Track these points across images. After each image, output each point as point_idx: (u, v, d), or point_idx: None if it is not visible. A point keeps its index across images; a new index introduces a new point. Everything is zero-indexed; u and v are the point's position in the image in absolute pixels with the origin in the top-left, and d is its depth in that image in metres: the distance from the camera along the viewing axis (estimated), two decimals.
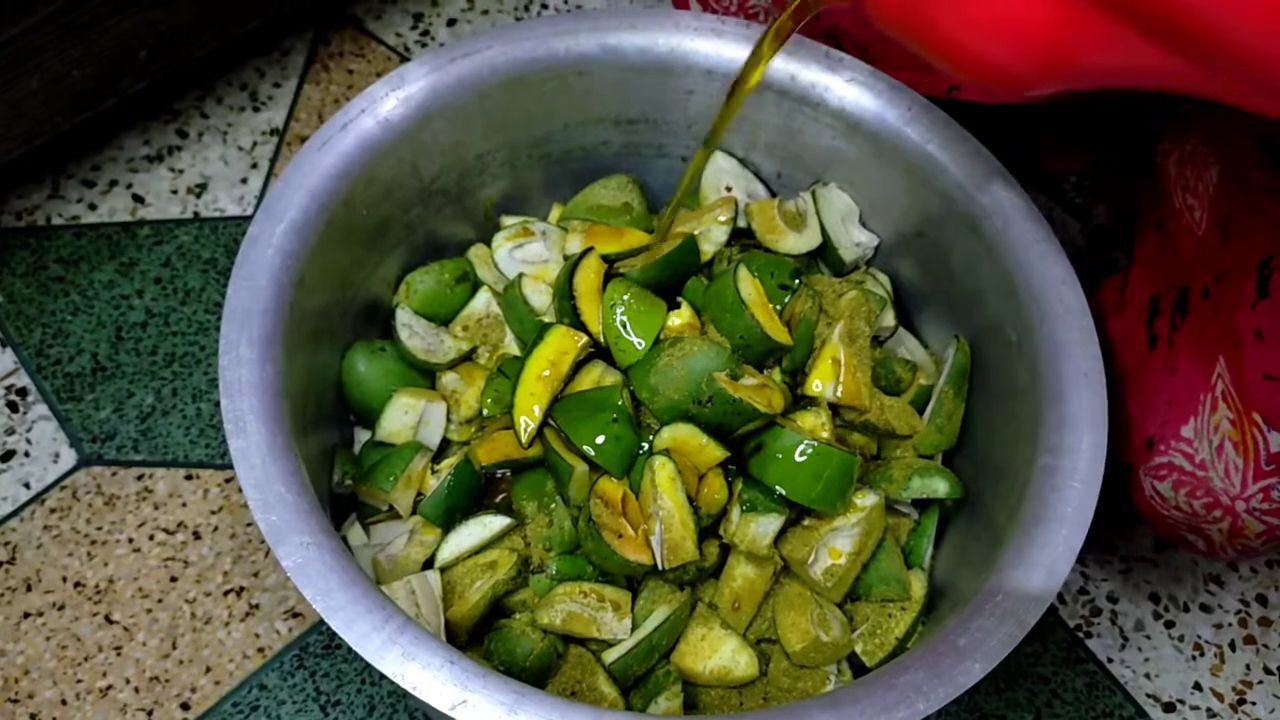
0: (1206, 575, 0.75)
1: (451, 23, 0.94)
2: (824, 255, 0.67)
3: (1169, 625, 0.73)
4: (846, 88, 0.63)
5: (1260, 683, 0.72)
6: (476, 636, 0.58)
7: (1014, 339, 0.59)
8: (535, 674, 0.56)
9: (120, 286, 0.78)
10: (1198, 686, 0.71)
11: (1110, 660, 0.71)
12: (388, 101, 0.59)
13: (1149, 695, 0.71)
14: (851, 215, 0.67)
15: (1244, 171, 0.60)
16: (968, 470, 0.63)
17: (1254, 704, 0.71)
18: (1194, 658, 0.72)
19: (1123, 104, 0.69)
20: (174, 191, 0.83)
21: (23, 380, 0.74)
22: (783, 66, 0.64)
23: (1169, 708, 0.70)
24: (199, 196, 0.82)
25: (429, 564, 0.59)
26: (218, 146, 0.85)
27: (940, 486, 0.61)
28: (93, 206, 0.81)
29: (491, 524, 0.59)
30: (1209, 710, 0.70)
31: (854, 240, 0.67)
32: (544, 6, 0.96)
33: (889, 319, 0.65)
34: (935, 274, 0.66)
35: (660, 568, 0.56)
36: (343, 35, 0.92)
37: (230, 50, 0.88)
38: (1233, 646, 0.73)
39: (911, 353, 0.67)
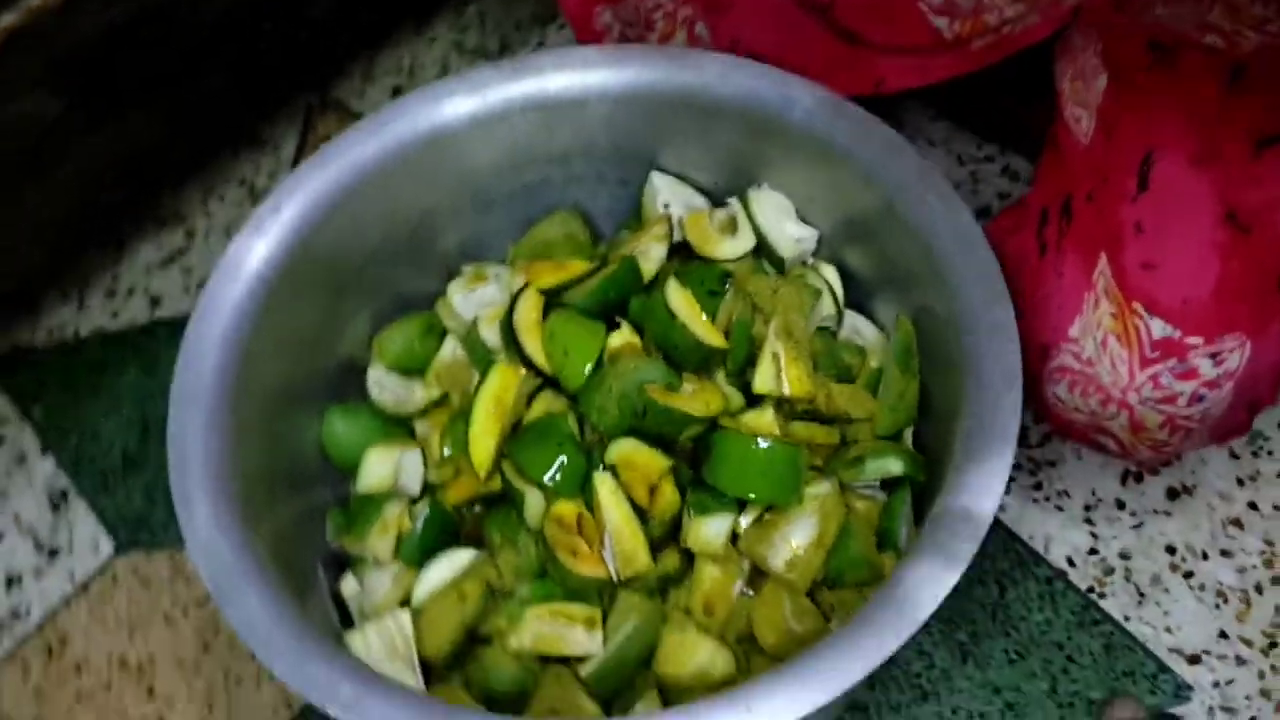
0: (1225, 519, 0.72)
1: None
2: (768, 255, 0.69)
3: (1187, 575, 0.71)
4: (747, 91, 0.64)
5: None
6: (460, 665, 0.61)
7: (938, 310, 0.59)
8: (513, 697, 0.59)
9: (144, 385, 0.84)
10: (1224, 635, 0.69)
11: (1128, 619, 0.70)
12: (314, 179, 0.63)
13: (1172, 649, 0.68)
14: (787, 212, 0.68)
15: (1131, 76, 0.61)
16: (937, 445, 0.63)
17: None
18: (1218, 605, 0.70)
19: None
20: (185, 289, 0.89)
21: (63, 482, 0.81)
22: (694, 80, 0.66)
23: (1194, 659, 0.68)
24: None
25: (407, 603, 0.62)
26: (223, 242, 0.91)
27: (894, 465, 0.61)
28: (115, 315, 0.88)
29: (458, 558, 0.61)
30: (1238, 658, 0.68)
31: (791, 237, 0.68)
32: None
33: (827, 308, 0.66)
34: (874, 258, 0.66)
35: (616, 579, 0.58)
36: (328, 119, 0.97)
37: (224, 151, 0.94)
38: (1259, 589, 0.70)
39: (865, 337, 0.67)
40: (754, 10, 0.72)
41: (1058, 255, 0.61)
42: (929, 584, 0.48)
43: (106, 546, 0.78)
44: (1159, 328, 0.56)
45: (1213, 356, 0.56)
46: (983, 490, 0.50)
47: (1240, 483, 0.73)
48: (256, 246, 0.62)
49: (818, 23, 0.72)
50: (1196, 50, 0.61)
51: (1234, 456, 0.74)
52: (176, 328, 0.86)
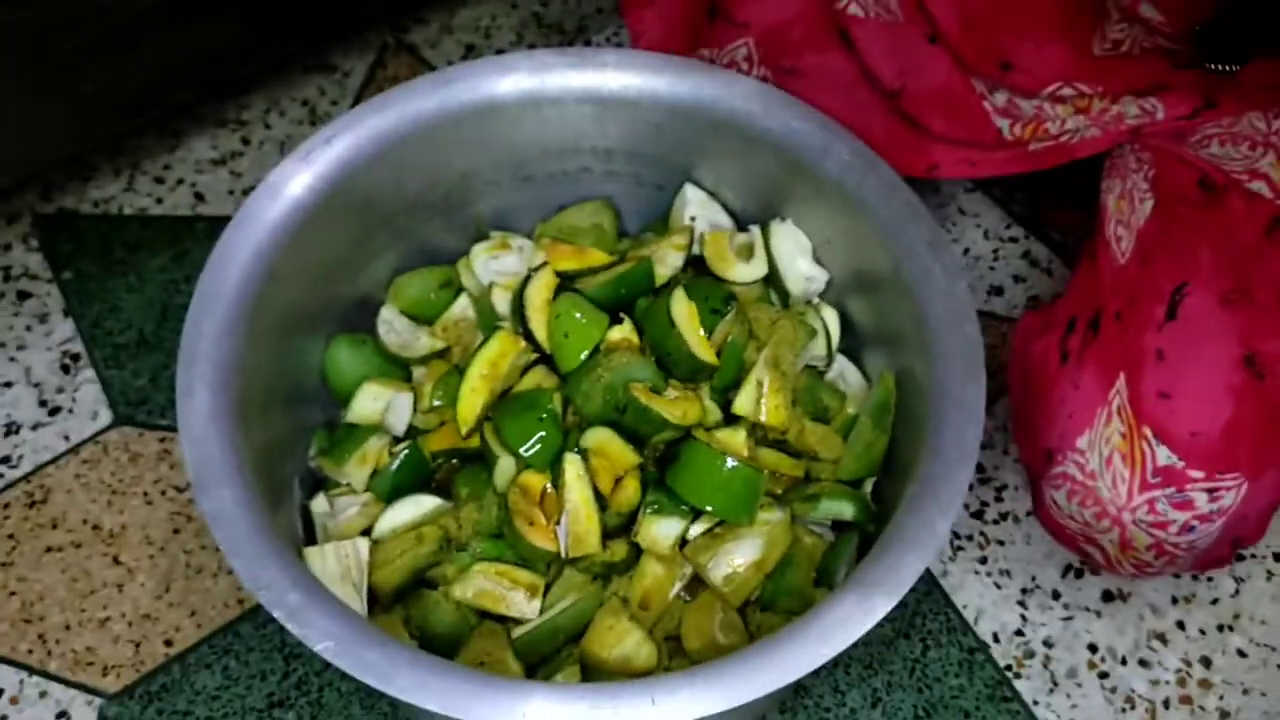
0: (1152, 632, 0.75)
1: (499, 54, 1.01)
2: (776, 287, 0.72)
3: (1103, 676, 0.74)
4: (790, 130, 0.67)
5: None
6: (403, 602, 0.65)
7: (918, 375, 0.62)
8: (446, 640, 0.63)
9: (171, 272, 0.88)
10: None
11: (1036, 703, 0.73)
12: (368, 121, 0.66)
13: None
14: (804, 251, 0.71)
15: (1175, 206, 0.63)
16: (891, 501, 0.66)
17: None
18: (1124, 710, 0.73)
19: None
20: (230, 192, 0.92)
21: (77, 347, 0.84)
22: (743, 107, 0.69)
23: None
24: None
25: (368, 533, 0.65)
26: (275, 155, 0.95)
27: (846, 510, 0.65)
28: (159, 201, 0.92)
29: (424, 503, 0.65)
30: None
31: (803, 274, 0.71)
32: (586, 43, 1.03)
33: (819, 349, 0.69)
34: (874, 312, 0.69)
35: (564, 556, 0.62)
36: (399, 61, 1.01)
37: (295, 69, 0.98)
38: (1166, 704, 0.73)
39: (849, 383, 0.70)
40: (826, 80, 0.74)
41: (1078, 367, 0.63)
42: (843, 626, 0.51)
43: (105, 416, 0.82)
44: (1164, 455, 0.59)
45: (1210, 491, 0.59)
46: (911, 553, 0.53)
47: (1174, 601, 0.76)
48: (302, 172, 0.65)
49: (884, 105, 0.75)
50: (1242, 194, 0.63)
51: (1175, 576, 0.77)
52: (215, 225, 0.91)
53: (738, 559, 0.63)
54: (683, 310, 0.65)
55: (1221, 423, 0.59)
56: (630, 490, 0.63)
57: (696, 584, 0.65)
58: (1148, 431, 0.59)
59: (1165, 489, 0.59)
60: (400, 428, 0.69)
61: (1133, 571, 0.64)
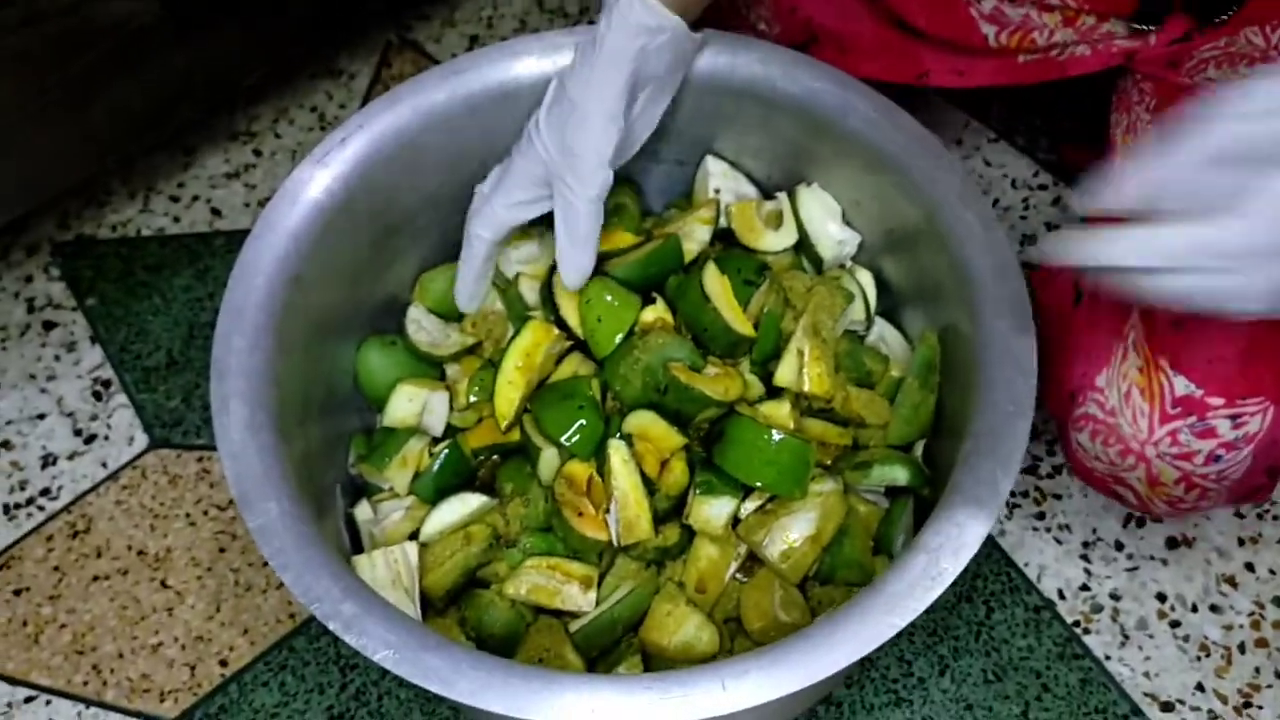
0: (1220, 576, 0.73)
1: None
2: (808, 253, 0.70)
3: (1174, 625, 0.72)
4: (809, 92, 0.65)
5: (1269, 686, 0.70)
6: (457, 603, 0.64)
7: (963, 330, 0.60)
8: (503, 640, 0.62)
9: (195, 290, 0.87)
10: (1200, 687, 0.70)
11: (1108, 658, 0.71)
12: (383, 116, 0.65)
13: (1147, 694, 0.70)
14: (833, 214, 0.69)
15: None
16: (945, 462, 0.65)
17: (1261, 708, 0.69)
18: (1199, 658, 0.71)
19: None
20: (246, 204, 0.92)
21: (107, 373, 0.84)
22: (760, 72, 0.67)
23: (1167, 707, 0.69)
24: None
25: (415, 537, 0.64)
26: (288, 164, 0.94)
27: (900, 475, 0.63)
28: (176, 220, 0.91)
29: (469, 501, 0.64)
30: (1210, 712, 0.69)
31: (834, 238, 0.69)
32: (591, 23, 1.01)
33: (858, 313, 0.67)
34: (910, 270, 0.67)
35: (616, 544, 0.61)
36: (404, 58, 0.99)
37: (301, 76, 0.97)
38: (1242, 649, 0.71)
39: (890, 346, 0.69)
40: None
41: (1093, 304, 0.62)
42: (911, 594, 0.50)
43: (141, 440, 0.81)
44: (1182, 385, 0.57)
45: (1232, 418, 0.57)
46: (973, 513, 0.52)
47: (1240, 542, 0.74)
48: (319, 176, 0.64)
49: (872, 12, 0.73)
50: None
51: (1239, 515, 0.75)
52: (234, 239, 0.90)
53: (793, 534, 0.61)
54: (715, 284, 0.64)
55: (1240, 347, 0.57)
56: (678, 472, 0.62)
57: (753, 562, 0.63)
58: (1164, 362, 0.58)
59: (1186, 419, 0.58)
60: (438, 428, 0.68)
61: (1166, 509, 0.63)
